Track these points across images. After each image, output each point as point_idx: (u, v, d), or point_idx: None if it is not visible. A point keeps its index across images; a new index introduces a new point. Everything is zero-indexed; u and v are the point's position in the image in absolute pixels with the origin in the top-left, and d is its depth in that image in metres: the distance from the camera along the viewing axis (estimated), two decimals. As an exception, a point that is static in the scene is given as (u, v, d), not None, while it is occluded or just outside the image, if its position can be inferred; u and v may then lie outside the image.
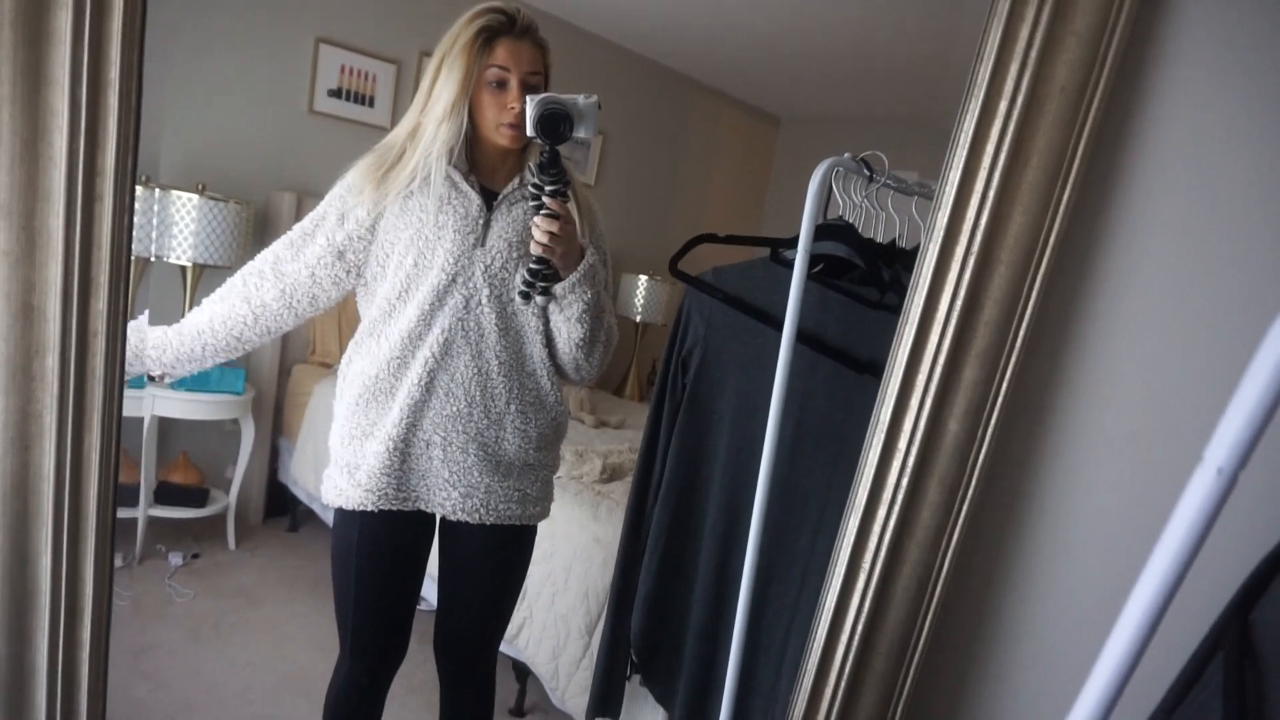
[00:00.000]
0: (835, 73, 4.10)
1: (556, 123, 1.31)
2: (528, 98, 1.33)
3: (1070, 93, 0.88)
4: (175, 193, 2.81)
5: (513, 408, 1.47)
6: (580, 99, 1.33)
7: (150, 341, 1.46)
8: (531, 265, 1.41)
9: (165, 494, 3.01)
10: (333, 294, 1.51)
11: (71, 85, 0.89)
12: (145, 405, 2.83)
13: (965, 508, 1.00)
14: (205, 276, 3.08)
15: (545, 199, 1.36)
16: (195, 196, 2.82)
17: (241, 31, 3.20)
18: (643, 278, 4.46)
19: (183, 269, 2.97)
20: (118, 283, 0.96)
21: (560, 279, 1.43)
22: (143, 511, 2.89)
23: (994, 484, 1.03)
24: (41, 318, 0.93)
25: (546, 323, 1.50)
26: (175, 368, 1.49)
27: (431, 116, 1.41)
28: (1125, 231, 0.96)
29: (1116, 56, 0.88)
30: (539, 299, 1.43)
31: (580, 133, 1.34)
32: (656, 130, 4.81)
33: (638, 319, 4.49)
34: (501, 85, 1.39)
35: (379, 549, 1.51)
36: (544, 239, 1.37)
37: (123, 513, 3.02)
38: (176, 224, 2.80)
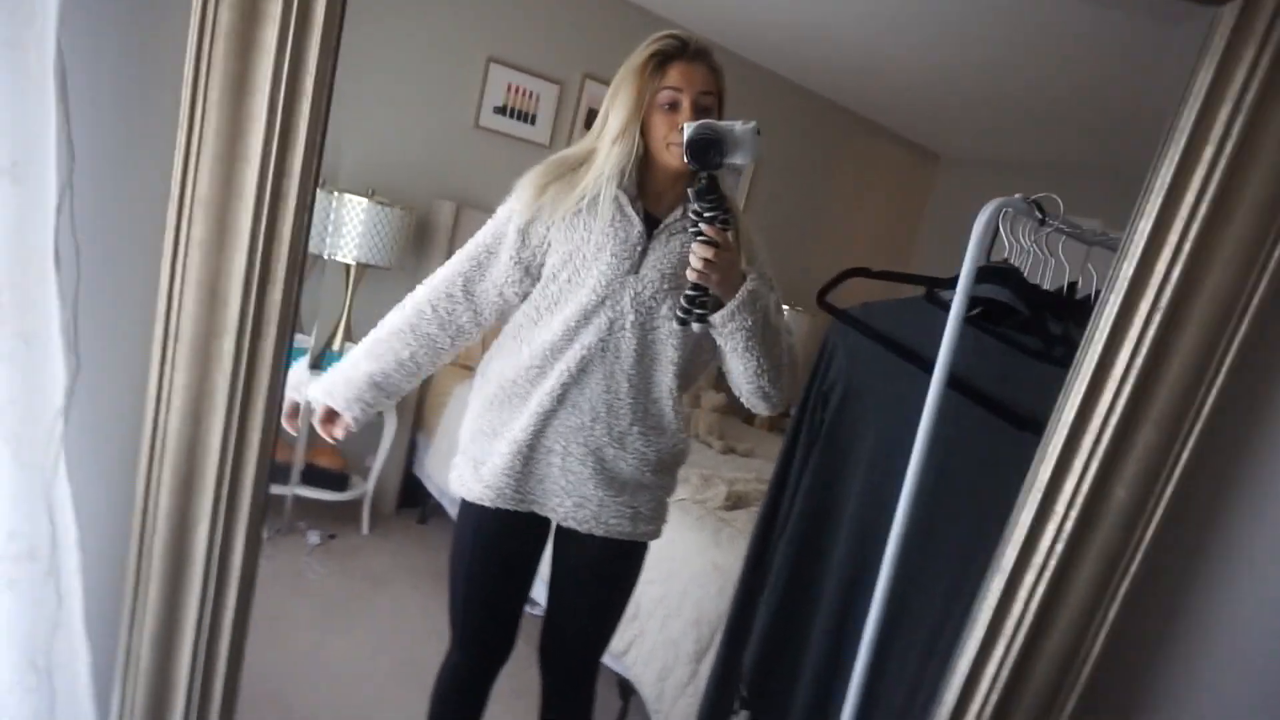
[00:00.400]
0: (1003, 114, 3.92)
1: (706, 148, 1.31)
2: (685, 124, 1.33)
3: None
4: (347, 196, 2.99)
5: (635, 429, 1.48)
6: (738, 125, 1.33)
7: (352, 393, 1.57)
8: (689, 292, 1.41)
9: (311, 475, 3.20)
10: (516, 304, 1.55)
11: (271, 92, 0.96)
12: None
13: (1125, 584, 0.92)
14: (367, 276, 3.27)
15: (702, 225, 1.36)
16: (365, 200, 3.00)
17: (421, 49, 3.39)
18: (784, 308, 4.40)
19: (347, 267, 3.15)
20: (292, 276, 1.03)
21: (719, 307, 1.43)
22: (292, 489, 3.08)
23: (1162, 562, 0.94)
24: (223, 303, 1.00)
25: (682, 354, 1.50)
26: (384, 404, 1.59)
27: (606, 139, 1.45)
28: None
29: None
30: (694, 326, 1.43)
31: (736, 159, 1.33)
32: (809, 160, 4.75)
33: (775, 347, 4.42)
34: (674, 106, 1.41)
35: (492, 548, 1.56)
36: (699, 265, 1.37)
37: (273, 489, 3.22)
38: (346, 225, 2.99)
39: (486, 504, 1.50)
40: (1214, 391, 0.86)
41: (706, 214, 1.36)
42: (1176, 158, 0.83)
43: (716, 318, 1.42)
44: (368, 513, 3.34)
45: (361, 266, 3.12)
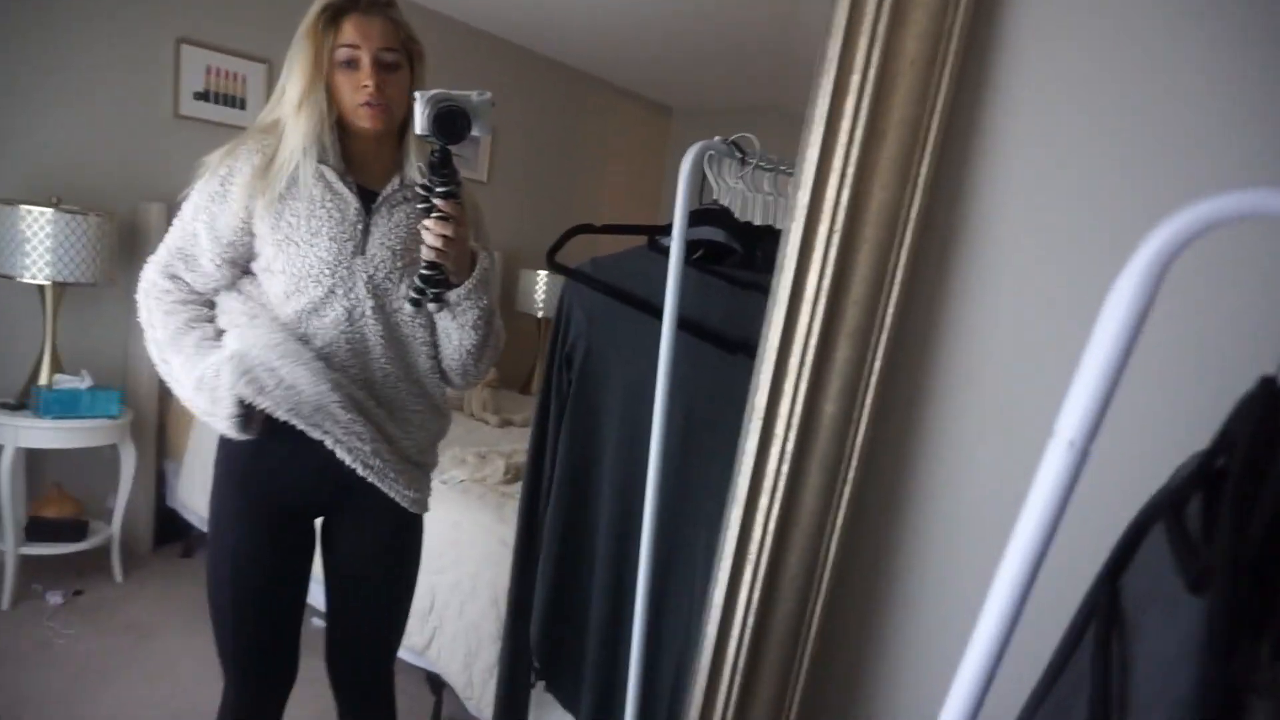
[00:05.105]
0: (722, 64, 4.11)
1: (453, 120, 1.25)
2: (417, 94, 1.26)
3: (920, 65, 0.87)
4: (25, 207, 2.61)
5: (396, 416, 1.41)
6: (474, 95, 1.27)
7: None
8: (423, 271, 1.34)
9: (37, 530, 2.81)
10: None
11: None
12: (6, 435, 2.63)
13: (847, 489, 0.99)
14: (68, 295, 2.88)
15: (437, 201, 1.29)
16: (49, 210, 2.62)
17: (93, 34, 2.99)
18: (542, 273, 4.39)
19: (40, 288, 2.76)
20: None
21: (452, 285, 1.37)
22: (11, 550, 2.69)
23: (874, 463, 1.02)
24: None
25: (433, 332, 1.44)
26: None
27: (288, 108, 1.33)
28: (985, 203, 0.96)
29: (964, 24, 0.88)
30: (430, 306, 1.37)
31: (476, 130, 1.27)
32: (549, 124, 4.74)
33: (539, 314, 4.42)
34: (352, 64, 1.32)
35: (258, 558, 1.42)
36: (437, 243, 1.30)
37: (-12, 555, 2.80)
38: (29, 240, 2.60)
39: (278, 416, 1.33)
40: (892, 302, 0.93)
41: (439, 189, 1.29)
42: (829, 88, 0.88)
43: (453, 295, 1.37)
44: (118, 558, 3.00)
45: (59, 286, 2.75)
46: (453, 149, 1.29)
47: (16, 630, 2.60)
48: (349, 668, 1.58)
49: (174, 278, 1.39)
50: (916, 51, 0.87)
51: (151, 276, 1.40)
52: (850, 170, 0.88)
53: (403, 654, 2.03)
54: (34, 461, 2.97)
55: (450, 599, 2.26)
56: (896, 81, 0.87)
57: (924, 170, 0.89)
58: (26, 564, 2.81)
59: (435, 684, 2.40)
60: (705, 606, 1.05)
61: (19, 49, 2.81)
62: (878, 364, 0.95)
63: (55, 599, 2.78)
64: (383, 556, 1.51)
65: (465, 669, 2.21)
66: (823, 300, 0.92)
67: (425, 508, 1.51)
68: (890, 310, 0.93)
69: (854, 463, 0.98)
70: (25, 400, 2.74)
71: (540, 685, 1.52)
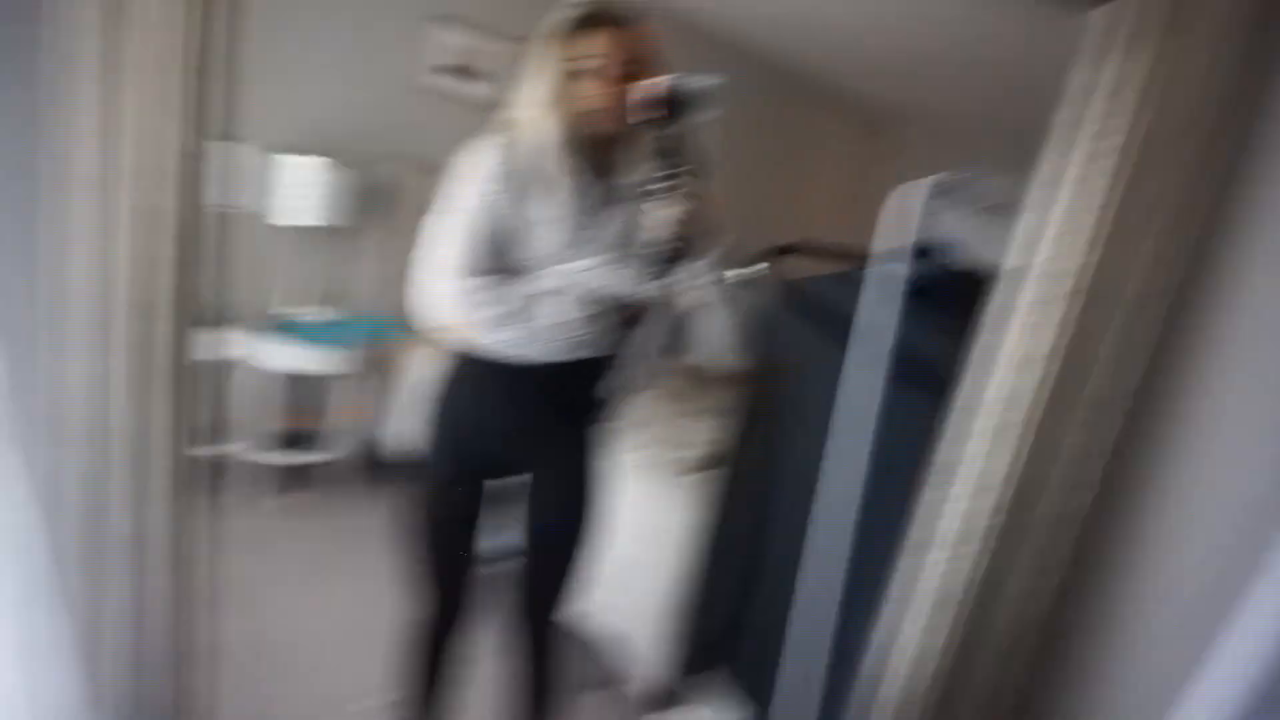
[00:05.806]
0: (946, 80, 3.86)
1: (683, 102, 1.29)
2: (650, 81, 1.31)
3: (1187, 132, 0.78)
4: (296, 157, 2.98)
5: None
6: (704, 78, 1.30)
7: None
8: (659, 251, 1.37)
9: (285, 438, 3.20)
10: None
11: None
12: (268, 356, 3.02)
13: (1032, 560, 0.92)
14: (328, 237, 3.24)
15: (674, 182, 1.33)
16: (320, 160, 2.99)
17: (366, 5, 3.33)
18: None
19: (306, 230, 3.13)
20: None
21: (687, 264, 1.40)
22: (256, 455, 3.07)
23: (1059, 536, 0.94)
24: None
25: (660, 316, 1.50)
26: None
27: (536, 107, 1.40)
28: (1239, 290, 0.85)
29: (1231, 90, 0.77)
30: (668, 285, 1.41)
31: (705, 113, 1.30)
32: (759, 124, 4.65)
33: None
34: (600, 73, 1.37)
35: (453, 491, 1.56)
36: (670, 224, 1.34)
37: (253, 457, 3.21)
38: (298, 186, 2.98)
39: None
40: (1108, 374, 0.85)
41: (671, 170, 1.33)
42: (1087, 148, 0.80)
43: (687, 274, 1.41)
44: (338, 474, 3.33)
45: (322, 229, 3.11)
46: (684, 131, 1.31)
47: (255, 522, 2.97)
48: (529, 610, 1.67)
49: (474, 274, 1.42)
50: (1180, 119, 0.77)
51: (457, 282, 1.41)
52: (1100, 229, 0.81)
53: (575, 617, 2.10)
54: (285, 381, 3.37)
55: (625, 573, 2.30)
56: (1158, 146, 0.78)
57: (1173, 248, 0.80)
58: (265, 470, 3.20)
59: (598, 650, 2.46)
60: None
61: (293, 17, 3.17)
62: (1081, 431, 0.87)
63: (281, 501, 3.15)
64: (574, 510, 1.59)
65: (634, 642, 2.25)
66: (1018, 362, 0.85)
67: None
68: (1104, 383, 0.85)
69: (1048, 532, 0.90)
70: (283, 327, 3.13)
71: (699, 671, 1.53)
